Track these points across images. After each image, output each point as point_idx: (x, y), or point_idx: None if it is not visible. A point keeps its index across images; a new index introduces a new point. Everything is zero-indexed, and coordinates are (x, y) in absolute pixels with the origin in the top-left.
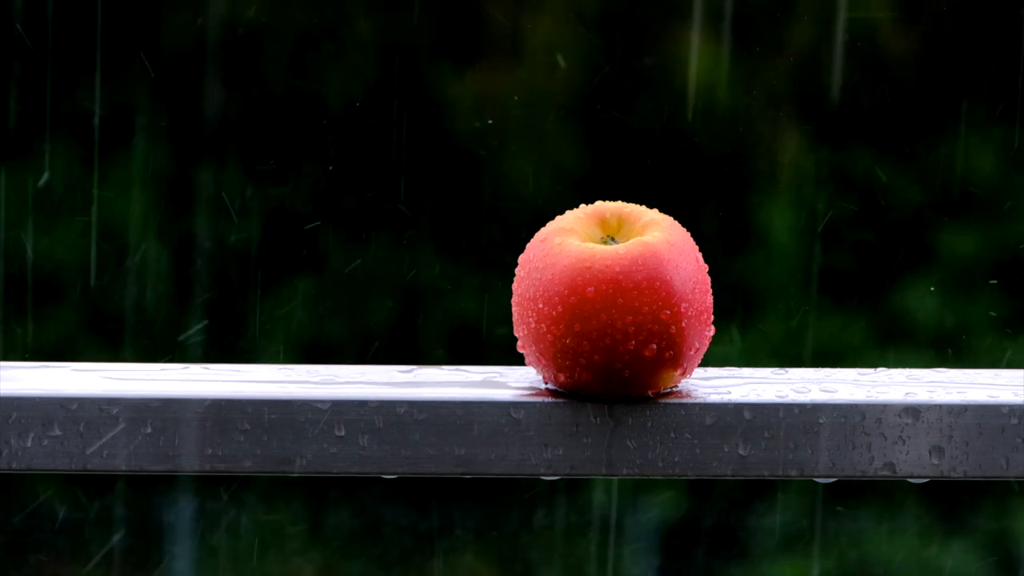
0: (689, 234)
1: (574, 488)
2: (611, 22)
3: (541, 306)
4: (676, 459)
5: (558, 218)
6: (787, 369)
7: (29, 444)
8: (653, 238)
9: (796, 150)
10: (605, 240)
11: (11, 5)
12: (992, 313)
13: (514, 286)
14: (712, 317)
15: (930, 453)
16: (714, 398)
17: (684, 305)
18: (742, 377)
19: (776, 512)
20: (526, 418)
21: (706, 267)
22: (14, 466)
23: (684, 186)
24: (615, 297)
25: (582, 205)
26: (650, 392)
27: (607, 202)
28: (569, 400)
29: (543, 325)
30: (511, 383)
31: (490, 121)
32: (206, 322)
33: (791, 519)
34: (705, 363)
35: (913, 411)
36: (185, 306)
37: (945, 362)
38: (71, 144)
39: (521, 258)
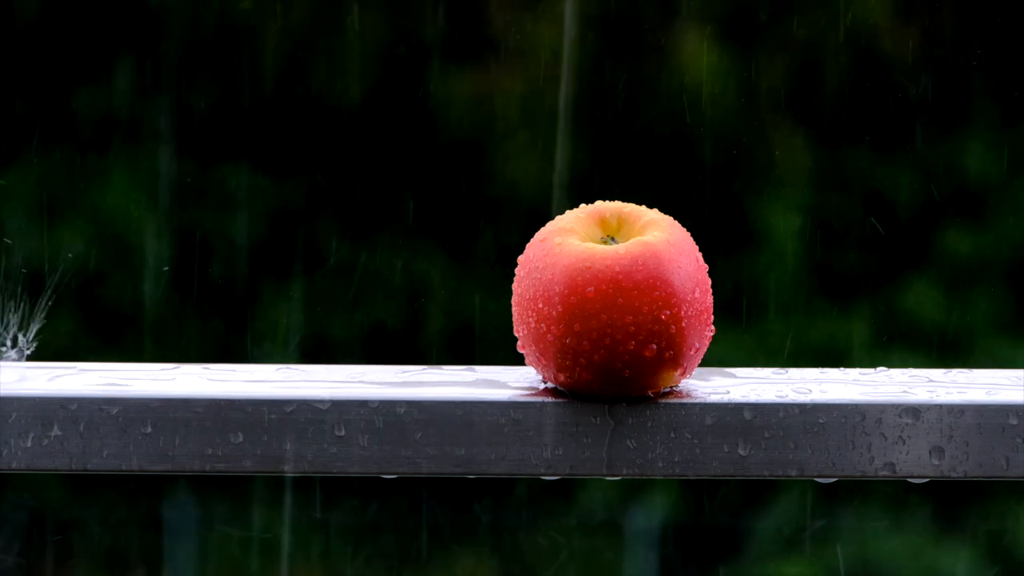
0: (689, 234)
1: (574, 488)
2: (611, 22)
3: (541, 306)
4: (676, 459)
5: (558, 218)
6: (787, 369)
7: (29, 444)
8: (653, 238)
9: (796, 150)
10: (605, 240)
11: (11, 5)
12: (992, 313)
13: (514, 286)
14: (712, 317)
15: (930, 453)
16: (714, 398)
17: (684, 305)
18: (742, 377)
19: (776, 512)
20: (526, 418)
21: (706, 267)
22: (14, 466)
23: (684, 186)
24: (615, 297)
25: (582, 205)
26: (650, 392)
27: (607, 202)
28: (569, 400)
29: (543, 325)
30: (511, 383)
31: (490, 121)
32: (206, 322)
33: (791, 519)
34: (705, 363)
35: (913, 411)
36: (185, 306)
37: (945, 362)
38: (71, 143)
39: (521, 258)
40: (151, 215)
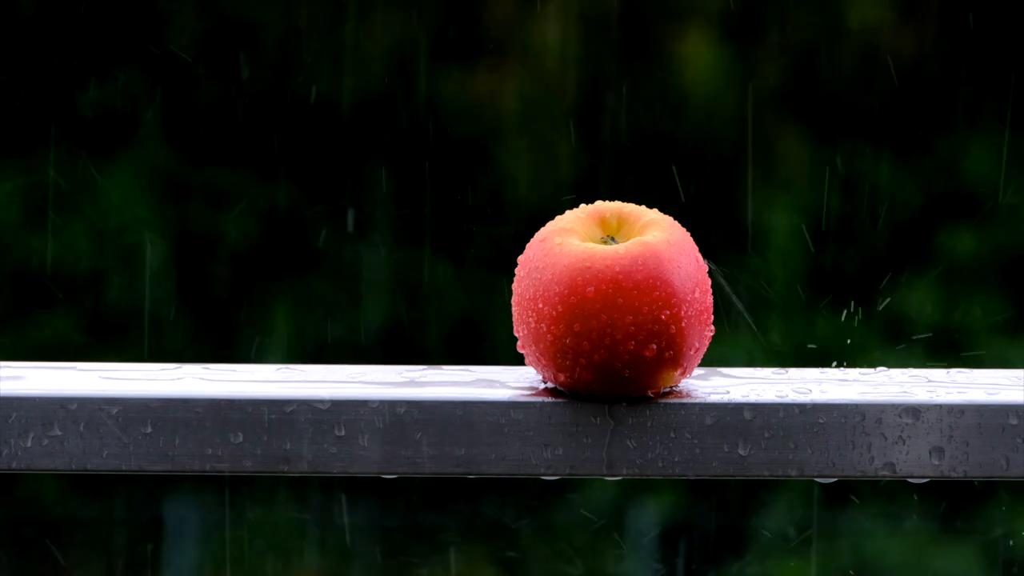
0: (689, 234)
1: (574, 488)
2: (611, 22)
3: (541, 306)
4: (676, 459)
5: (558, 218)
6: (787, 369)
7: (29, 444)
8: (653, 238)
9: (796, 150)
10: (605, 240)
11: (12, 5)
12: (992, 313)
13: (514, 286)
14: (712, 317)
15: (930, 453)
16: (714, 398)
17: (684, 305)
18: (742, 377)
19: (776, 512)
20: (526, 418)
21: (706, 267)
22: (14, 466)
23: (684, 186)
24: (615, 297)
25: (582, 205)
26: (650, 392)
27: (607, 202)
28: (569, 400)
29: (543, 325)
30: (511, 383)
31: (489, 121)
32: (206, 321)
33: (791, 519)
34: (705, 363)
35: (913, 411)
36: (185, 305)
37: (945, 362)
38: (71, 143)
39: (521, 258)
40: (151, 215)
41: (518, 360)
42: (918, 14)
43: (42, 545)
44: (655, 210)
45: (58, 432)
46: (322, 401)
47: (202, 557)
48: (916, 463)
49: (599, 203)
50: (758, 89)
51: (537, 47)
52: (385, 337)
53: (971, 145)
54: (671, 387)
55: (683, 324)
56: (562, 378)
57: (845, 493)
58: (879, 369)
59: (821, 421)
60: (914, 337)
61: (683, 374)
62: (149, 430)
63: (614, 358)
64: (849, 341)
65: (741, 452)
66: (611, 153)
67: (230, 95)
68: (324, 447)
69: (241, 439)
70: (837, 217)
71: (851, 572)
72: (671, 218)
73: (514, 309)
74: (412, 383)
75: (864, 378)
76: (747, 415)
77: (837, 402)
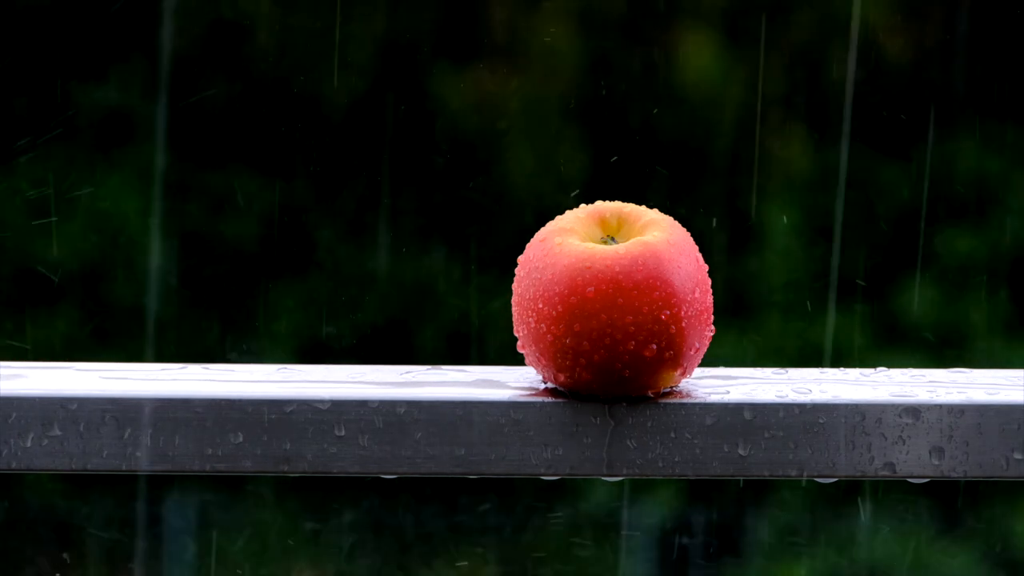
0: (689, 234)
1: (573, 488)
2: (611, 22)
3: (541, 306)
4: (676, 459)
5: (558, 218)
6: (787, 369)
7: (29, 444)
8: (653, 238)
9: (796, 150)
10: (605, 240)
11: (12, 5)
12: (992, 313)
13: (514, 286)
14: (712, 317)
15: (930, 453)
16: (714, 398)
17: (684, 305)
18: (742, 377)
19: (776, 512)
20: (526, 418)
21: (706, 267)
22: (14, 466)
23: (684, 186)
24: (615, 297)
25: (582, 205)
26: (650, 392)
27: (607, 202)
28: (569, 400)
29: (543, 325)
30: (511, 383)
31: (490, 121)
32: (206, 322)
33: (791, 519)
34: (705, 363)
35: (913, 411)
36: (184, 306)
37: (945, 362)
38: (70, 143)
39: (521, 258)
40: (150, 215)
41: (518, 360)
42: (918, 14)
43: (41, 545)
44: (655, 210)
45: (58, 432)
46: (322, 401)
47: (200, 556)
48: (916, 463)
49: (599, 203)
50: (759, 89)
51: (538, 47)
52: (385, 337)
53: (971, 145)
54: (671, 387)
55: (683, 324)
56: (562, 378)
57: (845, 493)
58: (879, 369)
59: (821, 421)
60: (914, 337)
61: (683, 374)
62: (149, 430)
63: (614, 358)
64: (849, 341)
65: (741, 452)
66: (611, 153)
67: (230, 94)
68: (324, 447)
69: (241, 439)
70: (837, 217)
71: (851, 572)
72: (671, 218)
73: (514, 309)
74: (412, 383)
75: (864, 378)
76: (747, 415)
77: (837, 402)
